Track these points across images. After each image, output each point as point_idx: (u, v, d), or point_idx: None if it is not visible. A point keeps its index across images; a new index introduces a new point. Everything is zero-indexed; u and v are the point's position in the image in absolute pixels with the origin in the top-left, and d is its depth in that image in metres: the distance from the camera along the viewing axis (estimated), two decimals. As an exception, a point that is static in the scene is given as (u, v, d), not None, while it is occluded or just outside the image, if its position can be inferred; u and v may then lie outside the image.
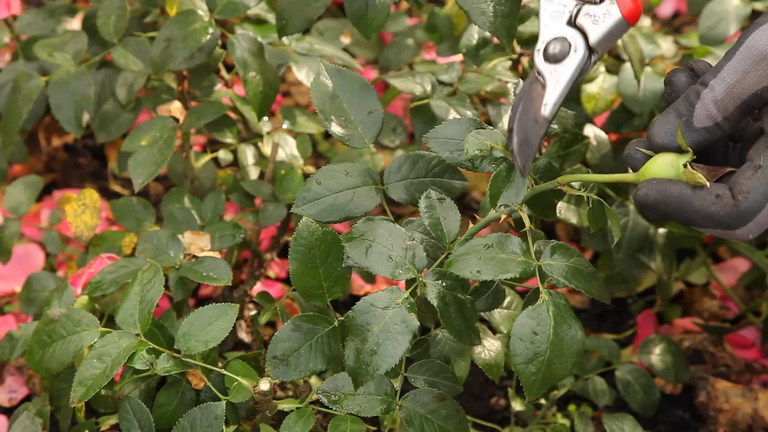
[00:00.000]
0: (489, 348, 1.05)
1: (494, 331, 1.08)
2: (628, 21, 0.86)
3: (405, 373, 0.96)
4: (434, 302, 0.89)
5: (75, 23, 1.42)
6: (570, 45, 0.87)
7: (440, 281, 0.90)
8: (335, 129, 0.99)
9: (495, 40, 1.24)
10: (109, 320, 1.09)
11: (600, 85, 1.31)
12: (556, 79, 0.87)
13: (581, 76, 0.88)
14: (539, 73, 0.88)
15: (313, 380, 1.28)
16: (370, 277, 1.42)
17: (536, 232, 0.95)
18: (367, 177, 0.98)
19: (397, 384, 0.94)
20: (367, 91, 1.00)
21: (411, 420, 0.92)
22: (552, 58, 0.87)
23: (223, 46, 1.21)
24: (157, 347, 0.99)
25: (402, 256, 0.90)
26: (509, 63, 1.26)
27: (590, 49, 0.87)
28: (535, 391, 0.86)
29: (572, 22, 0.87)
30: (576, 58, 0.87)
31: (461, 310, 0.91)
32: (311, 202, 0.96)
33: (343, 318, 0.94)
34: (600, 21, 0.86)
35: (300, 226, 0.93)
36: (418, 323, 0.87)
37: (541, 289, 0.87)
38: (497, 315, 1.08)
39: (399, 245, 0.91)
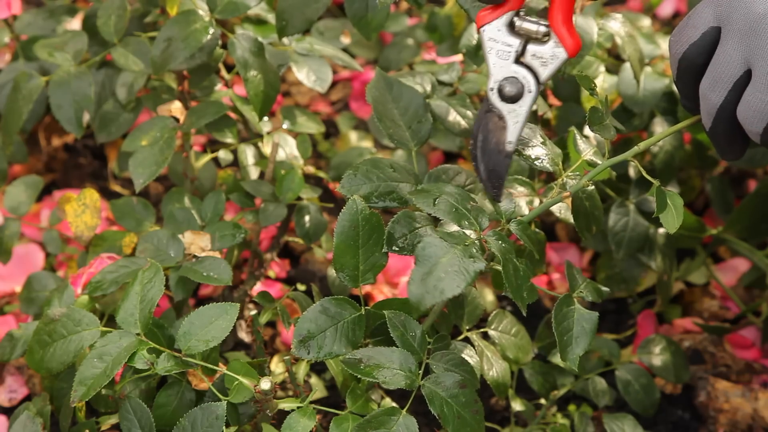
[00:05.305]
0: (497, 368, 1.10)
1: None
2: (572, 56, 0.96)
3: (427, 359, 0.98)
4: (497, 254, 0.92)
5: (75, 23, 1.42)
6: (523, 86, 0.97)
7: (500, 242, 0.94)
8: (384, 128, 1.07)
9: (495, 40, 1.24)
10: (109, 320, 1.09)
11: (600, 85, 1.31)
12: (515, 118, 0.98)
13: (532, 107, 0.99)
14: (494, 107, 0.98)
15: (314, 380, 1.28)
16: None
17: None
18: (410, 175, 1.03)
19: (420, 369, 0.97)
20: (419, 100, 1.08)
21: (432, 400, 0.94)
22: (508, 99, 0.97)
23: (224, 46, 1.21)
24: (157, 347, 0.99)
25: (467, 212, 0.95)
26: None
27: (538, 84, 0.97)
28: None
29: (520, 61, 0.96)
30: (530, 97, 0.97)
31: (515, 272, 0.94)
32: (355, 186, 1.01)
33: (369, 308, 0.98)
34: (549, 63, 0.96)
35: (349, 203, 0.97)
36: (483, 266, 0.89)
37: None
38: (505, 341, 1.14)
39: (464, 203, 0.96)
